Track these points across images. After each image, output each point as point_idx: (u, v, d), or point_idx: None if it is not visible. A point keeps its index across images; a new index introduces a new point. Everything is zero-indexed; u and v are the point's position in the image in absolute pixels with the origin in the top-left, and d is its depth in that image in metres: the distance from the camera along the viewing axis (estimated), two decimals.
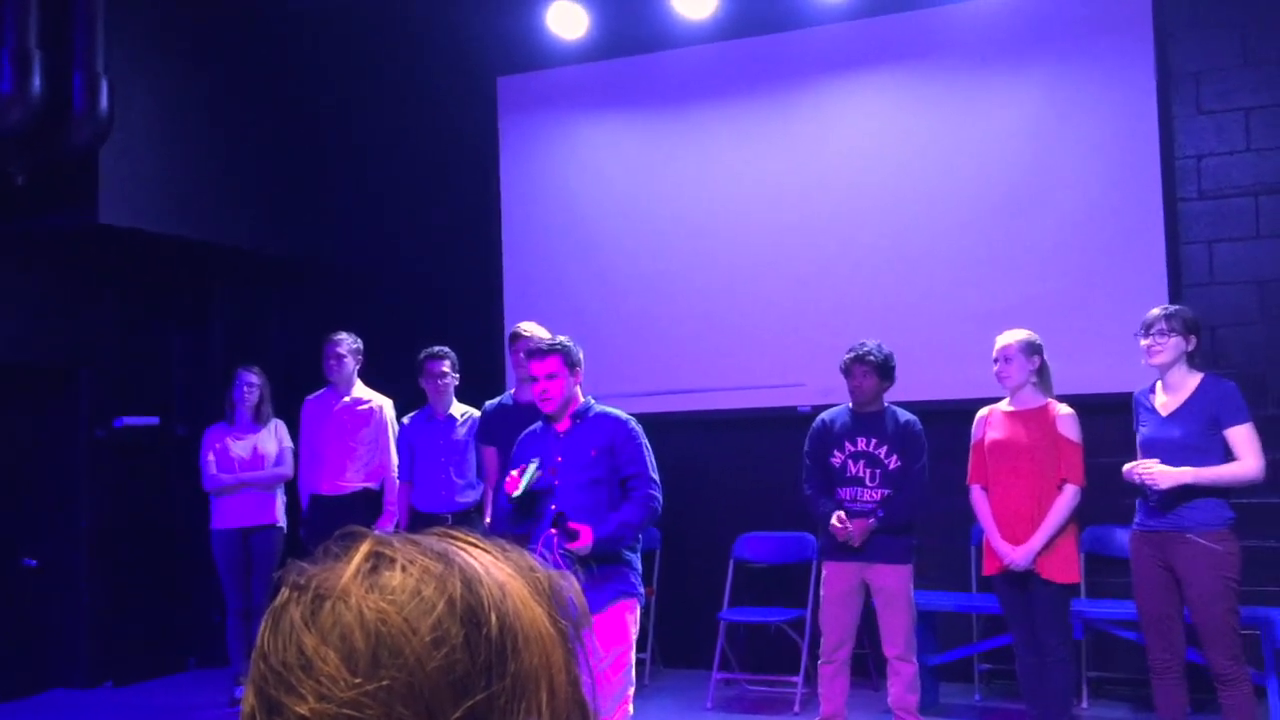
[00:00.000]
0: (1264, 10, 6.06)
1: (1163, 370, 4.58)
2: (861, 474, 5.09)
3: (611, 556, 4.29)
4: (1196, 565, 4.39)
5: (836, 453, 5.14)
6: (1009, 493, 4.86)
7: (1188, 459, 4.42)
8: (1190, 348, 4.55)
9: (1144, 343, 4.58)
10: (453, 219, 7.82)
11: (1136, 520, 4.63)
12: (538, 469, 4.34)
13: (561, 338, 4.56)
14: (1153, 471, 4.43)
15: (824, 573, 5.20)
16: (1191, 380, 4.55)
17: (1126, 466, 4.60)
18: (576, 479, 4.37)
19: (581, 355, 4.54)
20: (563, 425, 4.48)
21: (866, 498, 5.05)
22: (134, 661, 7.19)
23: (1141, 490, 4.55)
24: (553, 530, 4.19)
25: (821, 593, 5.22)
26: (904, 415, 5.15)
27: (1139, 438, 4.66)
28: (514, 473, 4.38)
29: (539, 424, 4.59)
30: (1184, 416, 4.50)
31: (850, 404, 5.22)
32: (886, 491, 5.03)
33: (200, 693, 6.91)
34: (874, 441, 5.09)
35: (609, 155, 7.43)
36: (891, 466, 5.06)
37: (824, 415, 5.30)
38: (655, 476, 4.42)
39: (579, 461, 4.39)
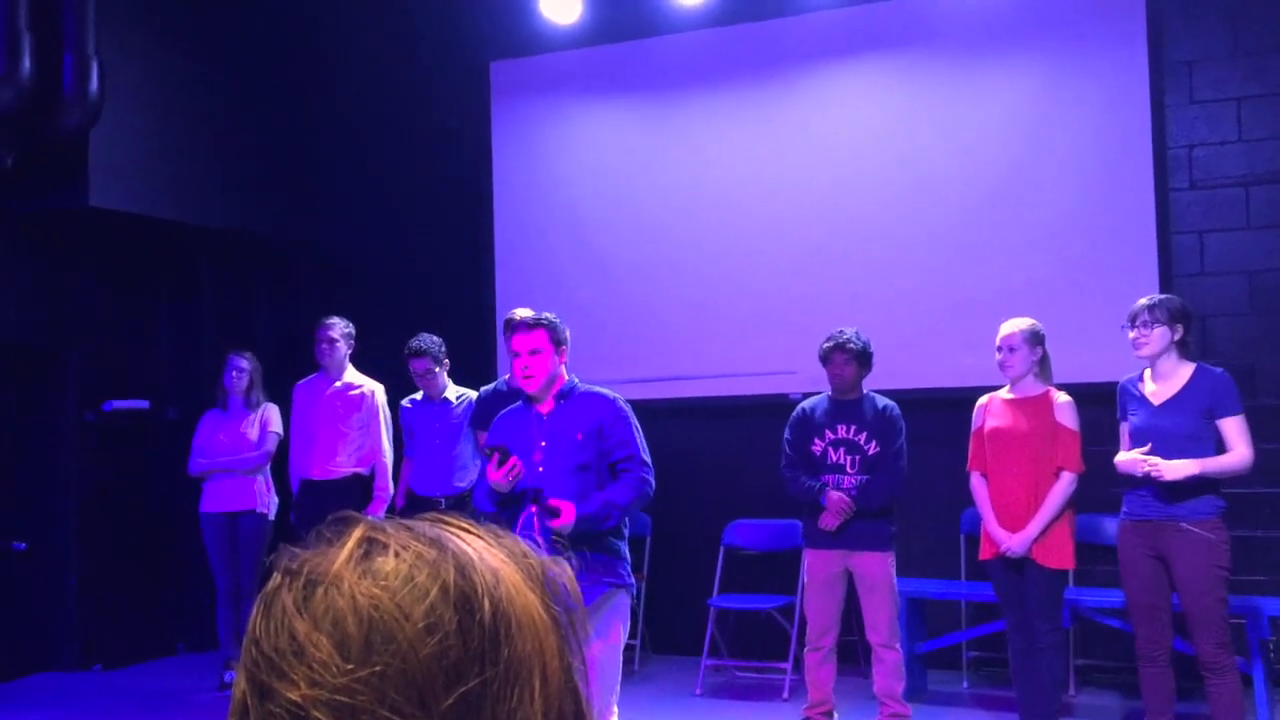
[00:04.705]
0: (1256, 0, 6.06)
1: (1151, 361, 4.59)
2: (842, 461, 5.09)
3: (599, 545, 4.01)
4: (1188, 553, 4.40)
5: (817, 441, 5.15)
6: (1007, 479, 4.86)
7: (1182, 448, 4.43)
8: (1178, 337, 4.54)
9: (1131, 334, 4.58)
10: (445, 203, 7.80)
11: (1125, 510, 4.63)
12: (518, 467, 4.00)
13: (548, 314, 4.27)
14: (1160, 466, 4.40)
15: (806, 560, 5.22)
16: (1184, 370, 4.55)
17: (1122, 457, 4.59)
18: (562, 464, 4.08)
19: (568, 334, 4.27)
20: (546, 406, 4.19)
21: (848, 485, 5.05)
22: (123, 645, 7.18)
23: (1131, 480, 4.55)
24: (533, 508, 3.92)
25: (804, 580, 5.23)
26: (882, 401, 5.15)
27: (1128, 426, 4.66)
28: (495, 463, 4.03)
29: (519, 404, 4.28)
30: (1178, 406, 4.50)
31: (830, 392, 5.22)
32: (867, 478, 5.05)
33: (189, 676, 6.91)
34: (854, 428, 5.10)
35: (602, 141, 7.42)
36: (871, 453, 5.06)
37: (804, 404, 5.30)
38: (648, 459, 4.16)
39: (565, 446, 4.11)
